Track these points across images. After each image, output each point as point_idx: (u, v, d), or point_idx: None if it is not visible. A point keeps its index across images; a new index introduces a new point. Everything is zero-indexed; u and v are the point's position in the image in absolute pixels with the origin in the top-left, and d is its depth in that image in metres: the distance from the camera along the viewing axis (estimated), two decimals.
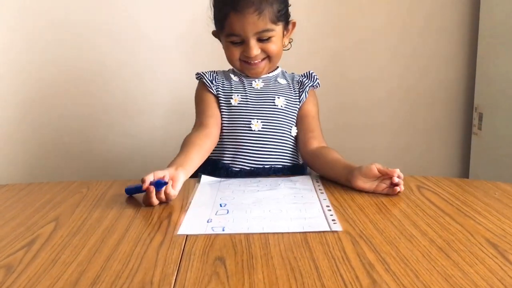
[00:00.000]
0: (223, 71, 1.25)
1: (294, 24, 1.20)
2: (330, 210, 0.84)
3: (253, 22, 1.07)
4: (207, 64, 1.32)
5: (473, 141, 1.72)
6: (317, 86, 1.24)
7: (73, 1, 1.68)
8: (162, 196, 0.89)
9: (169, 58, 1.75)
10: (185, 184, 1.02)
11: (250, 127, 1.14)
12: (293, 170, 1.18)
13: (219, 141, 1.16)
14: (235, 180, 1.07)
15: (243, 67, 1.18)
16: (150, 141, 1.78)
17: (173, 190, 0.91)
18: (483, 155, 1.66)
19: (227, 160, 1.15)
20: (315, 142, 1.15)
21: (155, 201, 0.89)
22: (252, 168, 1.13)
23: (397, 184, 0.91)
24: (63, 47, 1.71)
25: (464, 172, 1.82)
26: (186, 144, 1.06)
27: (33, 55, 1.70)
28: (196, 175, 1.12)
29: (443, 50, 1.76)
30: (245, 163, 1.14)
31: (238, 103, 1.16)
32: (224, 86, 1.19)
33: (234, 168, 1.13)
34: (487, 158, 1.63)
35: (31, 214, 0.86)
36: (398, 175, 0.91)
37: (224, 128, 1.16)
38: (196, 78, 1.23)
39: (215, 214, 0.83)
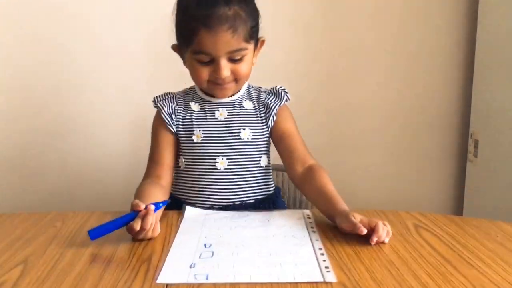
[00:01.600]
0: (183, 94, 1.13)
1: (263, 42, 1.08)
2: (323, 254, 0.78)
3: (226, 41, 0.96)
4: (166, 79, 1.22)
5: (468, 168, 1.68)
6: (286, 101, 1.13)
7: (31, 17, 1.63)
8: (154, 221, 0.83)
9: (129, 73, 1.70)
10: (168, 216, 0.97)
11: (215, 165, 1.06)
12: (265, 201, 1.12)
13: (182, 179, 1.10)
14: (222, 213, 1.00)
15: (210, 88, 1.05)
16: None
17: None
18: (479, 183, 1.62)
19: (193, 199, 1.08)
20: (299, 165, 1.06)
21: (150, 223, 0.82)
22: (221, 206, 1.07)
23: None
24: (22, 60, 1.65)
25: (459, 199, 1.77)
26: (143, 195, 0.95)
27: None
28: (180, 206, 1.06)
29: (438, 75, 1.72)
30: (214, 202, 1.07)
31: (202, 140, 1.07)
32: (185, 120, 1.09)
33: (202, 207, 1.06)
34: (483, 185, 1.59)
35: None
36: (376, 231, 0.82)
37: (187, 166, 1.09)
38: (154, 106, 1.11)
39: (199, 257, 0.77)
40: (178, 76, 1.14)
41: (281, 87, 1.15)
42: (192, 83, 1.13)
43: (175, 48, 1.07)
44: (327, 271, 0.71)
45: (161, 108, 1.09)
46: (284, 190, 1.33)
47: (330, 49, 1.70)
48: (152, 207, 0.84)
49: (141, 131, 1.55)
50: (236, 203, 1.07)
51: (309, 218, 0.97)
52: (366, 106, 1.73)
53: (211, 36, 0.96)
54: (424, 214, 0.99)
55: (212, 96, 1.10)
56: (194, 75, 1.04)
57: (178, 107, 1.10)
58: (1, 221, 0.96)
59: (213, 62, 1.00)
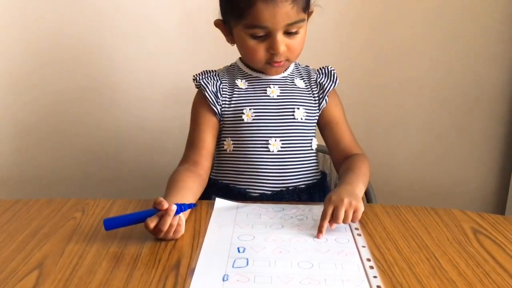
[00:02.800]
0: (227, 71, 1.04)
1: (311, 13, 0.97)
2: (372, 268, 0.69)
3: (286, 12, 0.87)
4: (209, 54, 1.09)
5: None
6: (337, 82, 1.04)
7: None
8: (175, 222, 0.76)
9: (169, 46, 1.55)
10: (197, 210, 0.88)
11: (267, 147, 0.97)
12: (317, 186, 1.04)
13: (229, 163, 1.01)
14: (255, 206, 0.91)
15: (264, 68, 0.97)
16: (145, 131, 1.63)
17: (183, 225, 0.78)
18: None
19: (243, 185, 0.99)
20: (344, 154, 1.02)
21: (167, 225, 0.74)
22: (274, 192, 0.98)
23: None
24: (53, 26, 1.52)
25: (504, 188, 1.64)
26: (177, 185, 0.88)
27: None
28: (209, 197, 0.97)
29: (494, 55, 1.53)
30: (265, 188, 0.98)
31: (253, 120, 0.97)
32: (232, 99, 0.99)
33: (253, 194, 0.98)
34: None
35: (12, 254, 0.72)
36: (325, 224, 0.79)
37: (235, 149, 0.99)
38: (196, 85, 1.01)
39: (232, 267, 0.69)
40: (219, 51, 1.04)
41: (331, 67, 1.06)
42: (233, 60, 1.04)
43: (218, 23, 0.97)
44: None
45: (205, 86, 0.99)
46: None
47: (376, 21, 1.53)
48: (174, 207, 0.75)
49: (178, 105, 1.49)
50: (290, 188, 0.99)
51: None
52: (413, 84, 1.57)
53: (269, 7, 0.86)
54: (482, 215, 0.89)
55: (260, 72, 1.01)
56: (249, 54, 0.94)
57: (223, 85, 1.00)
58: (17, 209, 0.88)
59: (267, 37, 0.90)
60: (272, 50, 0.91)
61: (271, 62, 0.94)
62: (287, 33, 0.90)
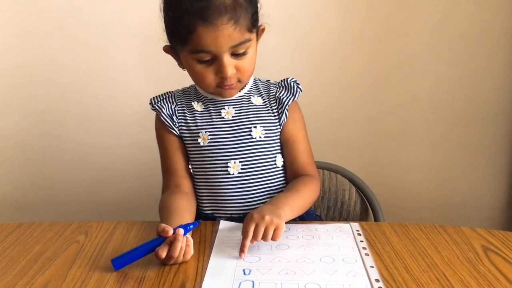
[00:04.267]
0: (183, 93, 1.02)
1: (263, 30, 0.95)
2: None
3: (228, 34, 0.84)
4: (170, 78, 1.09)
5: None
6: (298, 95, 1.00)
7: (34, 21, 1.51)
8: (184, 245, 0.75)
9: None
10: (201, 229, 0.87)
11: (227, 170, 0.95)
12: None
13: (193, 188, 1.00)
14: None
15: (216, 91, 0.94)
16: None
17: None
18: None
19: (208, 209, 0.98)
20: (296, 173, 0.99)
21: (178, 250, 0.73)
22: (242, 215, 0.96)
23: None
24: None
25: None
26: (170, 209, 0.87)
27: None
28: (214, 218, 0.96)
29: (498, 66, 1.53)
30: (231, 211, 0.96)
31: (209, 143, 0.96)
32: (188, 121, 0.97)
33: (219, 218, 0.96)
34: None
35: (14, 279, 0.71)
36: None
37: (196, 173, 0.98)
38: (152, 109, 0.99)
39: None
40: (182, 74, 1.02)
41: (292, 79, 1.03)
42: (192, 82, 1.01)
43: (167, 49, 0.94)
44: None
45: (160, 110, 0.98)
46: (325, 190, 1.22)
47: (385, 40, 1.53)
48: (181, 231, 0.75)
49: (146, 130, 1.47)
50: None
51: (359, 234, 0.86)
52: (420, 101, 1.56)
53: (210, 31, 0.83)
54: (492, 232, 0.87)
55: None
56: (198, 79, 0.92)
57: (179, 107, 0.99)
58: (20, 233, 0.88)
59: (214, 60, 0.88)
60: (220, 73, 0.89)
61: (222, 85, 0.91)
62: (235, 54, 0.88)
